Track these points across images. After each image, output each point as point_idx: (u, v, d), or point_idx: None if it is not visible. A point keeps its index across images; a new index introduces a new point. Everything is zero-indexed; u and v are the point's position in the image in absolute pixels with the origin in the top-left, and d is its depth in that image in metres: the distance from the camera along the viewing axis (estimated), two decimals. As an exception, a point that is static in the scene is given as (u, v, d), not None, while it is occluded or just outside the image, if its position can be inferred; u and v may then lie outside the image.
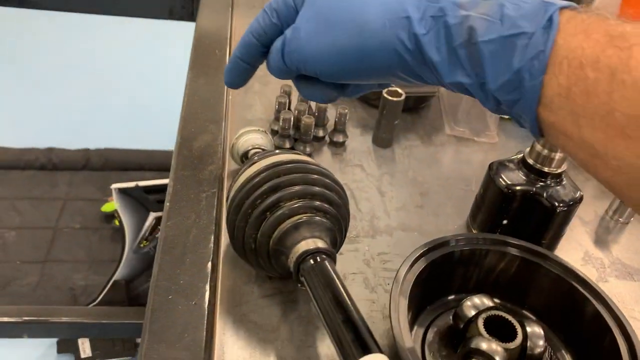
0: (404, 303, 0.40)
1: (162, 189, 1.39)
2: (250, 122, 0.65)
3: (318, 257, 0.40)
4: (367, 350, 0.32)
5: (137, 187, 1.33)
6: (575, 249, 0.55)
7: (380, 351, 0.32)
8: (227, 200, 0.47)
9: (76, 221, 1.96)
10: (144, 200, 1.39)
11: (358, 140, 0.65)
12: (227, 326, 0.43)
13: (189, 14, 0.94)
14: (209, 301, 0.45)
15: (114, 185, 1.33)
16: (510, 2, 0.31)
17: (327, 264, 0.39)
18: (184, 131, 0.62)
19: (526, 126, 0.32)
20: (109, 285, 1.51)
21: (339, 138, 0.63)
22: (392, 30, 0.33)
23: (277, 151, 0.48)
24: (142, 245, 1.45)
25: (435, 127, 0.70)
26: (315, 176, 0.44)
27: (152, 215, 1.43)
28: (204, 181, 0.56)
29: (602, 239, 0.58)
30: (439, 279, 0.45)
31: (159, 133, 2.35)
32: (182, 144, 0.60)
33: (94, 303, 1.52)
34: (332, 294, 0.37)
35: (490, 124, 0.70)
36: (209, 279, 0.46)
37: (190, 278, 0.46)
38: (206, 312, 0.44)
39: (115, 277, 1.50)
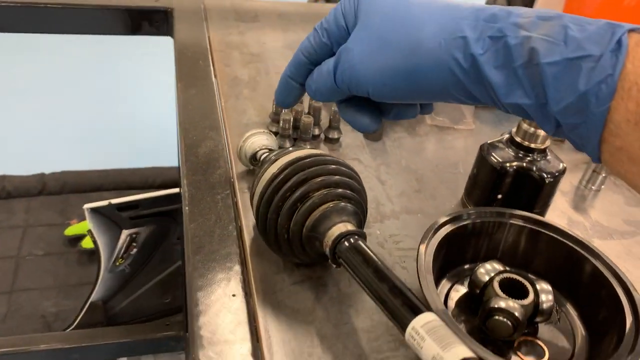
0: (429, 272, 0.45)
1: (134, 205, 1.39)
2: (247, 126, 0.68)
3: (351, 239, 0.43)
4: (417, 311, 0.36)
5: (110, 205, 1.32)
6: (559, 216, 0.61)
7: (429, 310, 0.36)
8: (251, 198, 0.50)
9: (39, 248, 1.91)
10: (116, 218, 1.38)
11: (351, 136, 0.69)
12: (267, 313, 0.46)
13: (154, 29, 0.96)
14: (246, 292, 0.48)
15: (87, 205, 1.31)
16: (574, 24, 0.30)
17: (361, 243, 0.43)
18: (187, 139, 0.64)
19: (586, 150, 0.32)
20: (85, 308, 1.49)
21: (334, 135, 0.67)
22: (447, 49, 0.33)
23: (290, 149, 0.51)
24: (117, 263, 1.44)
25: (417, 119, 0.75)
26: (333, 166, 0.48)
27: (125, 233, 1.43)
28: (216, 184, 0.59)
29: (580, 206, 0.64)
30: (453, 250, 0.50)
31: (115, 152, 2.32)
32: (188, 151, 0.62)
33: (71, 327, 1.50)
34: (374, 268, 0.40)
35: (466, 113, 0.76)
36: (241, 272, 0.49)
37: (223, 274, 0.49)
38: (245, 302, 0.47)
39: (91, 299, 1.48)
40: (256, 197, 0.49)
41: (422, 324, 0.35)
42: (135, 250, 1.45)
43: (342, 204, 0.46)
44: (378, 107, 0.42)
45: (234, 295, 0.47)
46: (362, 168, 0.64)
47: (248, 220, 0.54)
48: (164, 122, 2.48)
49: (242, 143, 0.59)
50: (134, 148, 2.30)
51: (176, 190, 1.41)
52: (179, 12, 0.91)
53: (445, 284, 0.51)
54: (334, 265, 0.45)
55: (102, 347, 1.45)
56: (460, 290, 0.51)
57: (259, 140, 0.59)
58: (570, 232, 0.50)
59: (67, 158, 2.18)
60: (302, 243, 0.46)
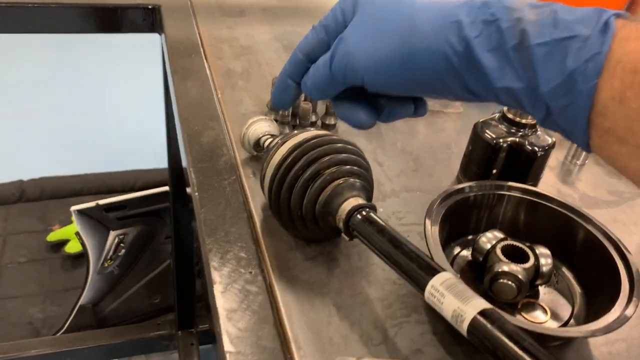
0: (437, 242, 0.47)
1: (122, 205, 1.39)
2: (245, 115, 0.70)
3: (364, 211, 0.46)
4: (434, 272, 0.39)
5: (97, 206, 1.32)
6: (549, 189, 0.65)
7: (444, 270, 0.39)
8: (262, 181, 0.52)
9: (21, 255, 1.89)
10: (104, 220, 1.38)
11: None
12: (284, 287, 0.48)
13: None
14: (262, 269, 0.49)
15: (74, 207, 1.31)
16: (563, 9, 0.31)
17: (373, 214, 0.45)
18: (189, 130, 0.66)
19: (575, 136, 0.33)
20: (74, 311, 1.48)
21: (331, 121, 0.69)
22: (441, 33, 0.34)
23: (296, 132, 0.53)
24: (106, 265, 1.44)
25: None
26: (340, 145, 0.50)
27: (113, 234, 1.42)
28: (222, 170, 0.60)
29: (567, 180, 0.68)
30: (456, 222, 0.53)
31: (93, 156, 2.30)
32: (191, 140, 0.64)
33: (61, 331, 1.49)
34: (388, 237, 0.43)
35: (453, 97, 0.79)
36: (255, 251, 0.51)
37: (238, 253, 0.51)
38: (262, 278, 0.49)
39: (80, 302, 1.47)
40: (267, 179, 0.51)
41: (441, 282, 0.38)
42: (123, 251, 1.45)
43: (352, 179, 0.48)
44: (373, 105, 0.43)
45: (250, 272, 0.49)
46: (360, 151, 0.66)
47: (256, 203, 0.56)
48: (141, 125, 2.46)
49: (245, 130, 0.61)
50: (112, 151, 2.29)
51: (163, 189, 1.42)
52: (167, 9, 0.92)
53: (449, 254, 0.54)
54: (348, 238, 0.47)
55: (93, 350, 1.45)
56: (465, 258, 0.53)
57: (262, 127, 0.61)
58: (564, 201, 0.53)
59: (45, 164, 2.16)
60: (316, 219, 0.48)
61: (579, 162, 0.70)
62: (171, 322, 1.52)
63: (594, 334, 0.42)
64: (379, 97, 0.43)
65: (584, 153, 0.70)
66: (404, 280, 0.49)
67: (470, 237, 0.54)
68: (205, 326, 1.52)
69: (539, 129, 0.59)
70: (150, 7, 0.93)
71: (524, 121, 0.58)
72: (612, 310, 0.44)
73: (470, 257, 0.53)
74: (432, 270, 0.39)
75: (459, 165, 0.64)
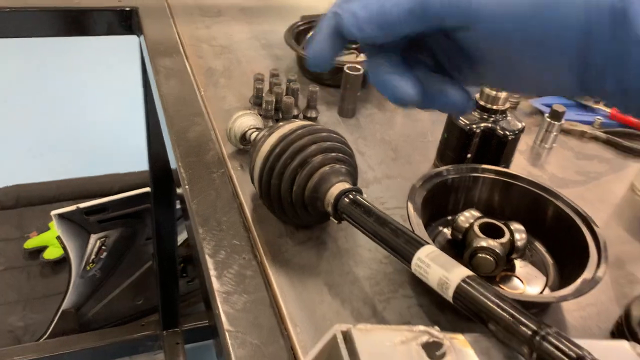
0: (419, 222, 0.50)
1: (102, 208, 1.39)
2: (229, 111, 0.72)
3: (350, 195, 0.48)
4: (419, 245, 0.42)
5: (77, 209, 1.32)
6: (520, 171, 0.68)
7: (429, 243, 0.42)
8: (251, 172, 0.54)
9: (-2, 263, 1.86)
10: (84, 223, 1.38)
11: (326, 115, 0.74)
12: (277, 270, 0.50)
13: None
14: (255, 254, 0.52)
15: (54, 212, 1.31)
16: None
17: (359, 197, 0.48)
18: (175, 127, 0.68)
19: None
20: (57, 316, 1.48)
21: (312, 114, 0.72)
22: None
23: (281, 123, 0.56)
24: (88, 269, 1.44)
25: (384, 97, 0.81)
26: (325, 134, 0.53)
27: (94, 237, 1.43)
28: (210, 164, 0.63)
29: (537, 162, 0.72)
30: (436, 204, 0.56)
31: (68, 162, 2.28)
32: (178, 136, 0.66)
33: (44, 337, 1.48)
34: (375, 217, 0.46)
35: (427, 88, 0.83)
36: (247, 238, 0.53)
37: (231, 240, 0.53)
38: (256, 263, 0.51)
39: (63, 307, 1.47)
40: (257, 169, 0.53)
41: (426, 254, 0.41)
42: (105, 254, 1.45)
43: (338, 166, 0.51)
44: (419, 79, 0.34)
45: (244, 258, 0.51)
46: (341, 142, 0.69)
47: (246, 194, 0.58)
48: (116, 129, 2.45)
49: (231, 124, 0.63)
50: (87, 157, 2.27)
51: (143, 190, 1.42)
52: (144, 11, 0.94)
53: (431, 233, 0.57)
54: (336, 221, 0.50)
55: (77, 354, 1.45)
56: (445, 237, 0.57)
57: (247, 121, 0.63)
58: (536, 181, 0.57)
59: (20, 171, 2.14)
60: (305, 205, 0.51)
61: (547, 146, 0.74)
62: (155, 322, 1.53)
63: (566, 298, 0.46)
64: (431, 73, 0.35)
65: (552, 136, 0.74)
66: (389, 260, 0.52)
67: (449, 217, 0.58)
68: (189, 325, 1.54)
69: (509, 115, 0.63)
70: (127, 9, 0.95)
71: (494, 107, 0.61)
72: (582, 276, 0.48)
73: (450, 236, 0.56)
74: (417, 244, 0.42)
75: (436, 152, 0.68)
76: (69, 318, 1.48)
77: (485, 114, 0.62)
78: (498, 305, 0.36)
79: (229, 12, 1.00)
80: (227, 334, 0.45)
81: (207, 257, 0.51)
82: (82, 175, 2.18)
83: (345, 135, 0.71)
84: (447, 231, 0.57)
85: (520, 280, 0.53)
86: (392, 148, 0.70)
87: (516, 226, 0.54)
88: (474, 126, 0.62)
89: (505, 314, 0.36)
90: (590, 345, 0.38)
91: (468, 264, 0.52)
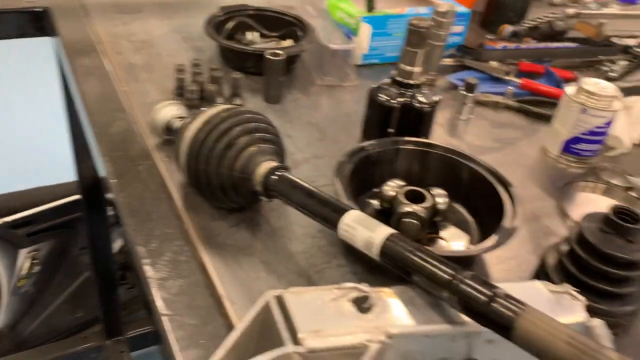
0: (342, 188, 0.52)
1: (30, 220, 1.34)
2: (152, 104, 0.71)
3: (278, 172, 0.50)
4: (344, 211, 0.44)
5: (3, 224, 1.27)
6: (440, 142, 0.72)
7: (353, 209, 0.44)
8: (177, 159, 0.55)
9: None
10: (11, 238, 1.32)
11: (252, 102, 0.75)
12: (212, 253, 0.51)
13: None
14: (188, 241, 0.52)
15: (-23, 229, 1.24)
16: None
17: (287, 174, 0.50)
18: (97, 123, 0.67)
19: None
20: (-9, 338, 1.40)
21: (237, 102, 0.72)
22: None
23: (204, 109, 0.56)
24: (19, 285, 1.38)
25: (308, 81, 0.82)
26: (249, 115, 0.54)
27: (24, 252, 1.37)
28: (136, 157, 0.62)
29: (456, 133, 0.76)
30: (362, 176, 0.58)
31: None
32: (100, 132, 0.65)
33: (-22, 362, 1.41)
34: (302, 190, 0.47)
35: (349, 72, 0.85)
36: (180, 226, 0.54)
37: (163, 229, 0.53)
38: (189, 247, 0.51)
39: (-4, 327, 1.40)
40: (183, 156, 0.53)
41: (351, 219, 0.43)
42: (37, 268, 1.39)
43: (264, 145, 0.52)
44: None
45: (177, 245, 0.52)
46: (268, 127, 0.70)
47: (175, 183, 0.58)
48: (38, 140, 2.35)
49: (153, 115, 0.63)
50: (9, 171, 2.17)
51: (72, 198, 1.38)
52: (57, 11, 0.91)
53: (359, 206, 0.59)
54: (267, 199, 0.51)
55: (16, 375, 1.38)
56: (373, 208, 0.59)
57: (170, 111, 0.63)
58: (451, 147, 0.60)
59: None
60: (235, 186, 0.52)
61: (464, 118, 0.78)
62: (98, 333, 1.49)
63: (488, 249, 0.49)
64: None
65: (467, 109, 0.78)
66: (323, 233, 0.54)
67: (376, 189, 0.60)
68: (133, 332, 1.50)
69: (424, 89, 0.66)
70: (38, 9, 0.91)
71: (411, 82, 0.64)
72: (499, 229, 0.51)
73: (379, 206, 0.59)
74: (342, 210, 0.44)
75: (361, 130, 0.70)
76: (3, 338, 1.41)
77: (403, 88, 0.64)
78: (419, 257, 0.39)
79: (147, 9, 0.98)
80: (164, 318, 0.45)
81: (138, 247, 0.51)
82: (6, 191, 2.08)
83: (273, 120, 0.72)
84: (375, 202, 0.59)
85: (445, 241, 0.56)
86: (319, 130, 0.72)
87: (438, 191, 0.56)
88: (393, 101, 0.64)
89: (426, 264, 0.38)
90: (506, 287, 0.41)
91: (395, 230, 0.54)
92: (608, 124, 0.69)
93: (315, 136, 0.71)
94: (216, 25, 0.84)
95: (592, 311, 0.49)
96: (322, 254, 0.53)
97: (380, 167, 0.60)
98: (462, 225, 0.58)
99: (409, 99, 0.64)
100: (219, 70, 0.72)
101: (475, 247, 0.50)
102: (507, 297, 0.34)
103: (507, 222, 0.52)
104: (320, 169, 0.64)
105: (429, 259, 0.38)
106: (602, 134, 0.70)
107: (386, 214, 0.57)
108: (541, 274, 0.52)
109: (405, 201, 0.55)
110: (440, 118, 0.78)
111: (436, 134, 0.74)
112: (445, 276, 0.36)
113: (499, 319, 0.33)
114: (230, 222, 0.55)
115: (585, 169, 0.71)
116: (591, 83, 0.69)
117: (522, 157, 0.73)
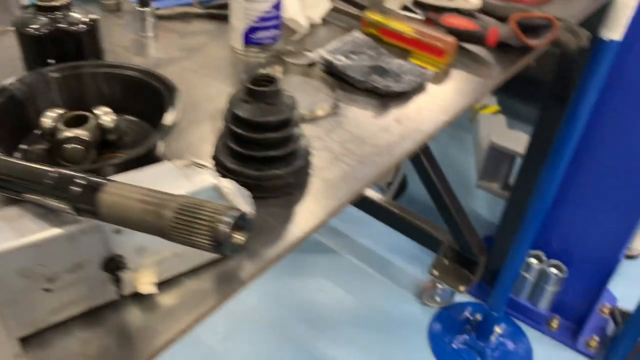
0: None
1: None
2: None
3: None
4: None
5: None
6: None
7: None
8: None
9: None
10: None
11: None
12: None
13: None
14: None
15: None
16: None
17: None
18: None
19: None
20: None
21: None
22: None
23: None
24: None
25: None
26: None
27: None
28: None
29: (142, 52, 0.73)
30: (13, 121, 0.53)
31: None
32: None
33: None
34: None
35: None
36: None
37: None
38: None
39: None
40: None
41: None
42: None
43: None
44: None
45: None
46: None
47: None
48: None
49: None
50: None
51: None
52: None
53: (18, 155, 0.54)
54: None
55: None
56: (39, 151, 0.54)
57: None
58: (103, 62, 0.58)
59: None
60: None
61: (149, 35, 0.76)
62: None
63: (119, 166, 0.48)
64: None
65: (148, 24, 0.75)
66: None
67: (38, 131, 0.55)
68: None
69: (73, 9, 0.61)
70: None
71: (53, 4, 0.59)
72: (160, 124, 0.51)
73: (47, 145, 0.54)
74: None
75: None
76: None
77: (48, 14, 0.59)
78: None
79: None
80: None
81: None
82: None
83: None
84: (41, 145, 0.55)
85: (124, 155, 0.55)
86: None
87: (103, 110, 0.54)
88: (43, 29, 0.59)
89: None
90: (140, 173, 0.41)
91: (61, 161, 0.51)
92: (276, 7, 0.71)
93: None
94: None
95: (260, 179, 0.52)
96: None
97: (34, 104, 0.55)
98: (137, 134, 0.56)
99: (58, 24, 0.60)
100: None
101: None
102: (87, 179, 0.34)
103: (168, 116, 0.52)
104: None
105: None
106: (274, 18, 0.72)
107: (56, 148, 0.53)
108: (215, 159, 0.54)
109: (64, 127, 0.52)
110: (124, 40, 0.75)
111: (121, 56, 0.71)
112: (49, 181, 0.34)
113: (83, 203, 0.33)
114: None
115: (270, 56, 0.74)
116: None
117: (210, 59, 0.73)
